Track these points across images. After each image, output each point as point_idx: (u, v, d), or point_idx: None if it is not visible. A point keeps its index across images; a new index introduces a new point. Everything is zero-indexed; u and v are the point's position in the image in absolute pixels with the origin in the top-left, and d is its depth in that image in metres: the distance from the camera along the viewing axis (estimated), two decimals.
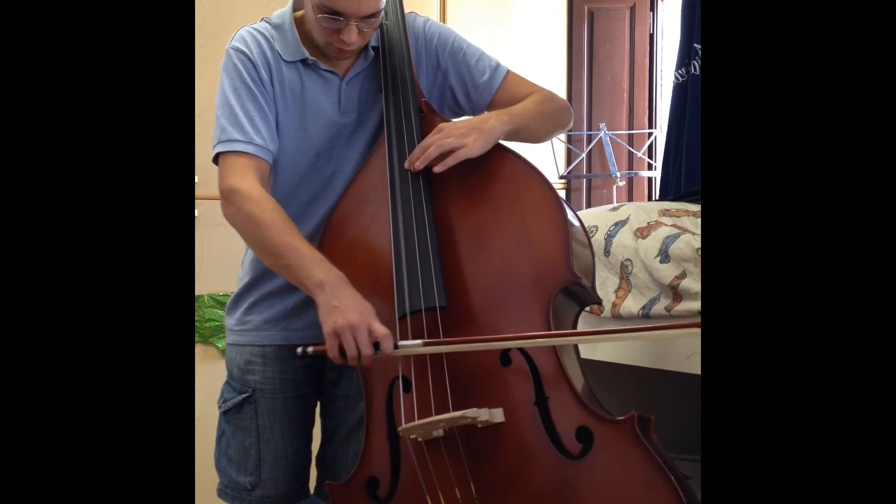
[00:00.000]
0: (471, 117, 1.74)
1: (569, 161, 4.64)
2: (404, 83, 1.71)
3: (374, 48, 1.73)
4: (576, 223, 1.62)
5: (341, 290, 1.50)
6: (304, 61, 1.70)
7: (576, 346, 1.64)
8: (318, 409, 1.85)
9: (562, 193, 4.81)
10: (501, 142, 1.64)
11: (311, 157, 1.72)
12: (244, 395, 1.76)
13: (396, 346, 1.48)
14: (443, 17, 4.57)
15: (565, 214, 1.57)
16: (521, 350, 1.49)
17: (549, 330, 1.50)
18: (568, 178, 4.70)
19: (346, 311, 1.47)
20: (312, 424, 1.84)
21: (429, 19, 1.80)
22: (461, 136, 1.59)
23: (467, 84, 1.77)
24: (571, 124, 1.83)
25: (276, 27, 1.72)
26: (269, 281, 1.77)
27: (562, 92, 4.87)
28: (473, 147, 1.58)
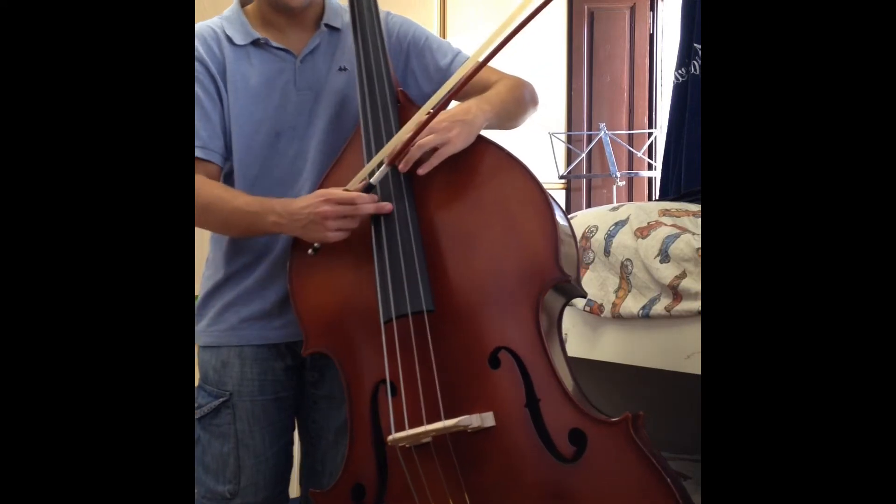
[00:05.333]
0: (451, 107, 1.68)
1: (569, 161, 4.65)
2: (379, 73, 1.66)
3: (328, 25, 1.73)
4: (560, 217, 1.56)
5: (290, 205, 1.55)
6: (255, 42, 1.70)
7: (562, 345, 1.58)
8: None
9: (562, 193, 4.82)
10: (482, 132, 1.58)
11: (271, 138, 1.69)
12: (221, 400, 1.69)
13: (371, 185, 1.54)
14: (443, 18, 4.57)
15: (552, 208, 1.51)
16: (510, 350, 1.44)
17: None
18: (568, 178, 4.71)
19: (313, 208, 1.51)
20: (293, 428, 1.78)
21: (389, 12, 1.79)
22: (444, 130, 1.53)
23: (429, 67, 1.75)
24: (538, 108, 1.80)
25: (225, 18, 1.74)
26: (245, 277, 1.72)
27: (562, 92, 4.88)
28: (457, 141, 1.53)
